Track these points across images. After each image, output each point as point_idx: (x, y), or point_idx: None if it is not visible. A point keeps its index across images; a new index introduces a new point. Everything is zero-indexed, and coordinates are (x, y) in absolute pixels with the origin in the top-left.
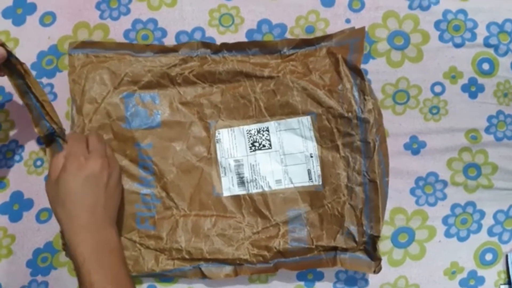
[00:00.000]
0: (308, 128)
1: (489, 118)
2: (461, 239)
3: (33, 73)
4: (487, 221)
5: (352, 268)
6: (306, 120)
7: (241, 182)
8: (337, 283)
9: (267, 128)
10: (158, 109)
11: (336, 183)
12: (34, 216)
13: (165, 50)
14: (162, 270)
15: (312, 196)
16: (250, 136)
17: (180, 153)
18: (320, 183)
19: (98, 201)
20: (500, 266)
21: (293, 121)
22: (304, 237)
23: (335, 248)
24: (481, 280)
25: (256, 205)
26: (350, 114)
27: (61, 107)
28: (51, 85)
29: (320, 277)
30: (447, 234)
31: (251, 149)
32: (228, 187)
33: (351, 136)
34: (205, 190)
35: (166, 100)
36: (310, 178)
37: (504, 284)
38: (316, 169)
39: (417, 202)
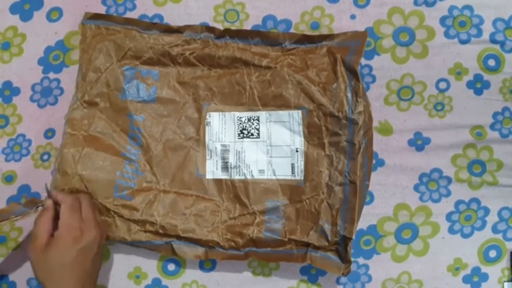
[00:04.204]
0: (297, 122)
1: (495, 115)
2: (465, 236)
3: (40, 68)
4: (492, 218)
5: (321, 267)
6: (297, 114)
7: (225, 167)
8: (340, 278)
9: (258, 117)
10: (155, 85)
11: (317, 180)
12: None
13: (170, 30)
14: (133, 240)
15: (292, 190)
16: (240, 123)
17: (170, 130)
18: (302, 178)
19: (86, 270)
20: (504, 263)
21: (284, 114)
22: (278, 229)
23: (307, 245)
24: (485, 276)
25: (236, 191)
26: (340, 113)
27: (68, 102)
28: (58, 80)
29: (323, 272)
30: (451, 231)
31: (239, 136)
32: (212, 170)
33: (338, 136)
34: (189, 170)
35: (164, 77)
36: (292, 172)
37: (508, 281)
38: (300, 164)
39: (421, 198)
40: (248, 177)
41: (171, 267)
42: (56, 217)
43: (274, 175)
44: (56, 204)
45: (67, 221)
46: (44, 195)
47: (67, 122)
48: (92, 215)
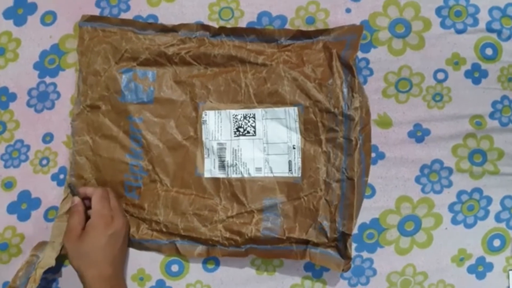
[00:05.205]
0: (294, 119)
1: (494, 104)
2: (468, 226)
3: (36, 72)
4: (494, 207)
5: (321, 263)
6: (293, 111)
7: (222, 165)
8: (345, 273)
9: (254, 115)
10: (152, 85)
11: (315, 177)
12: (42, 215)
13: (165, 30)
14: (141, 238)
15: (289, 187)
16: (236, 121)
17: (169, 130)
18: (299, 175)
19: (117, 254)
20: (508, 252)
21: (280, 111)
22: (276, 227)
23: (306, 242)
24: (490, 266)
25: (233, 190)
26: (336, 109)
27: (65, 105)
28: (54, 84)
29: (327, 268)
30: (454, 221)
31: (235, 134)
32: (210, 169)
33: (335, 132)
34: (188, 169)
35: (161, 78)
36: (290, 170)
37: None
38: (297, 161)
39: (422, 190)
40: (245, 175)
41: (175, 268)
42: (85, 210)
43: (271, 172)
44: (84, 198)
45: (98, 210)
46: (45, 200)
47: (73, 128)
48: (118, 205)
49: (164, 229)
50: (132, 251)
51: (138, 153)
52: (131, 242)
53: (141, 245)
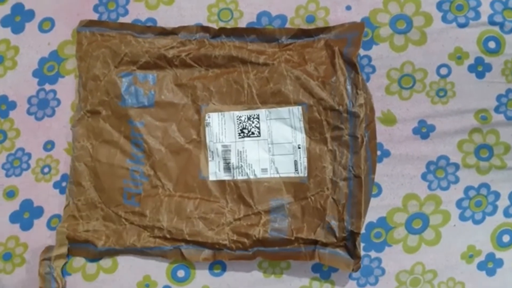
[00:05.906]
0: (298, 118)
1: (499, 97)
2: (477, 222)
3: (35, 80)
4: (503, 202)
5: (330, 264)
6: (297, 110)
7: (227, 167)
8: (353, 273)
9: (258, 115)
10: (153, 89)
11: (321, 176)
12: (45, 224)
13: (165, 32)
14: (143, 246)
15: (296, 187)
16: (240, 122)
17: (171, 133)
18: (306, 175)
19: None
20: None
21: (283, 111)
22: (284, 228)
23: (315, 242)
24: (500, 262)
25: (240, 191)
26: (341, 107)
27: (65, 112)
28: (54, 91)
29: (335, 268)
30: (462, 218)
31: (239, 135)
32: (214, 171)
33: (340, 130)
34: (192, 172)
35: (162, 81)
36: (296, 169)
37: None
38: (303, 161)
39: (429, 187)
40: (251, 176)
41: (181, 273)
42: None
43: (277, 173)
44: None
45: None
46: (48, 208)
47: (74, 134)
48: None
49: (168, 235)
50: (137, 257)
51: (139, 158)
52: (134, 251)
53: (144, 253)
